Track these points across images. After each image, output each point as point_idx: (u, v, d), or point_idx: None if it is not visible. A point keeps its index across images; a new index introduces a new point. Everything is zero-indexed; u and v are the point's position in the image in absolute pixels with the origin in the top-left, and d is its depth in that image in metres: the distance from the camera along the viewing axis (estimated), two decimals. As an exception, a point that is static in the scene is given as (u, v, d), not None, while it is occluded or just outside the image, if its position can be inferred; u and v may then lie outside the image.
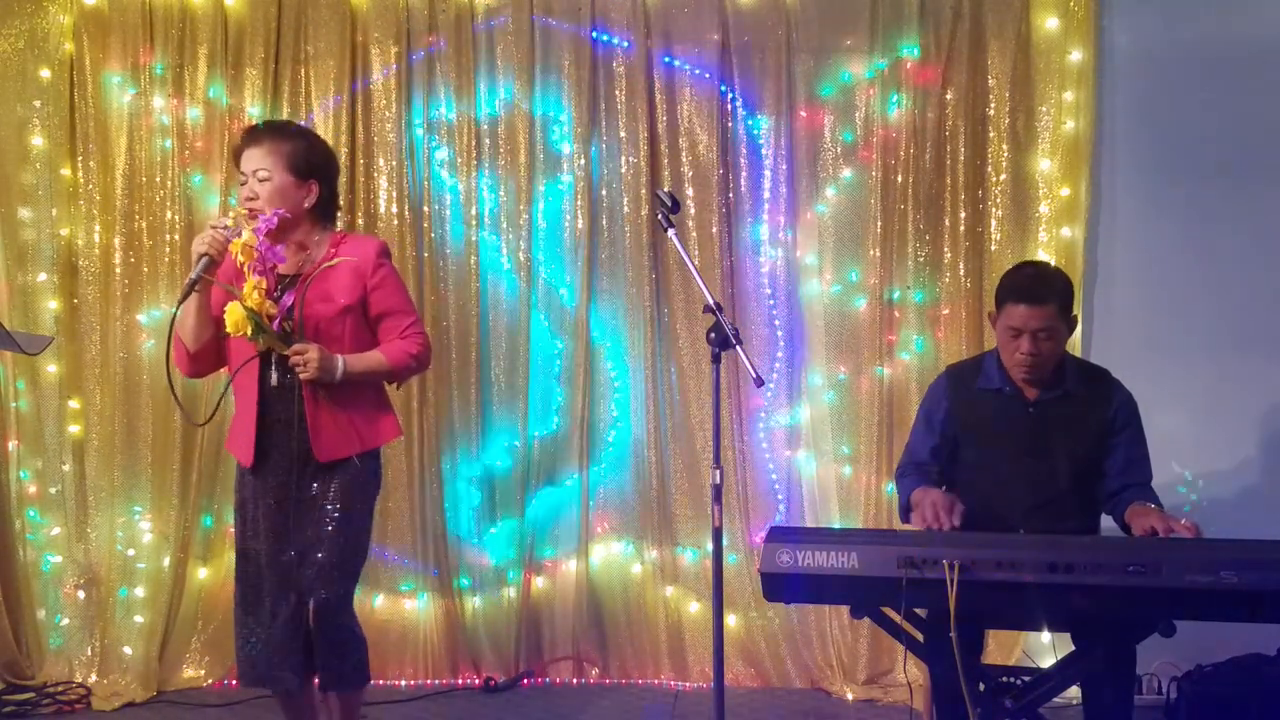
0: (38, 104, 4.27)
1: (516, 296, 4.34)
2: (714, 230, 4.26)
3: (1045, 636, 3.79)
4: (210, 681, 4.28)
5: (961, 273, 4.19)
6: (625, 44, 4.27)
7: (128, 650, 4.23)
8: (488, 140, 4.33)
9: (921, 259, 4.22)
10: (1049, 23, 4.14)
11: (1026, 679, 2.93)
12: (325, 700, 3.09)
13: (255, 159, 2.92)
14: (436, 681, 4.32)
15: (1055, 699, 3.03)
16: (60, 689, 4.14)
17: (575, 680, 4.36)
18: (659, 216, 3.00)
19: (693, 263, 3.03)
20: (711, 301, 2.83)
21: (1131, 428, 3.12)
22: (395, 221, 4.28)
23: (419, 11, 4.28)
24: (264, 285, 2.81)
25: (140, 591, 4.27)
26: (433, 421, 4.29)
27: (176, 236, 4.24)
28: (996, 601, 2.54)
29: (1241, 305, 4.14)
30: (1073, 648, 2.97)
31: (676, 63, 4.29)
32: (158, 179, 4.28)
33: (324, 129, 4.21)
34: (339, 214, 3.19)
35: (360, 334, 2.98)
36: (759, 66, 4.27)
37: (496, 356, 4.35)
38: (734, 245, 4.30)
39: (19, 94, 4.26)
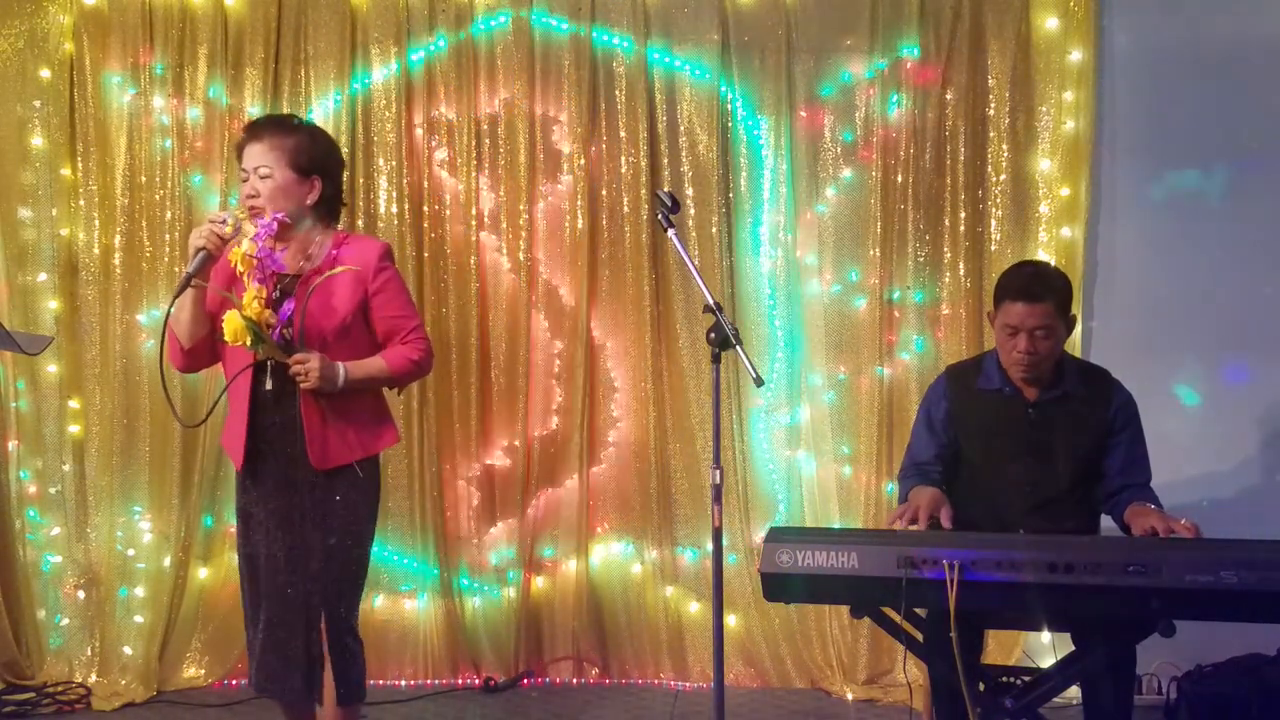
0: (38, 104, 4.27)
1: (516, 296, 4.34)
2: (714, 230, 4.26)
3: (1045, 636, 3.79)
4: (210, 681, 4.28)
5: (961, 273, 4.19)
6: (625, 44, 4.27)
7: (128, 650, 4.23)
8: (488, 140, 4.33)
9: (921, 259, 4.22)
10: (1049, 23, 4.14)
11: (1026, 679, 2.94)
12: (324, 713, 2.97)
13: (256, 155, 2.84)
14: (436, 681, 4.32)
15: (1055, 699, 3.04)
16: (60, 689, 4.14)
17: (575, 680, 4.36)
18: (659, 216, 2.99)
19: (693, 263, 3.03)
20: (711, 301, 2.83)
21: (1131, 428, 3.12)
22: (395, 221, 4.28)
23: (419, 11, 4.28)
24: (264, 294, 2.74)
25: (140, 591, 4.27)
26: (433, 421, 4.29)
27: (176, 236, 4.24)
28: (996, 601, 2.54)
29: (1241, 305, 4.14)
30: (1073, 648, 2.98)
31: (676, 63, 4.29)
32: (158, 179, 4.28)
33: (324, 129, 4.20)
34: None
35: (362, 340, 2.93)
36: (759, 66, 4.27)
37: (496, 356, 4.35)
38: (734, 245, 4.30)
39: (19, 94, 4.26)
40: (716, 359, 2.84)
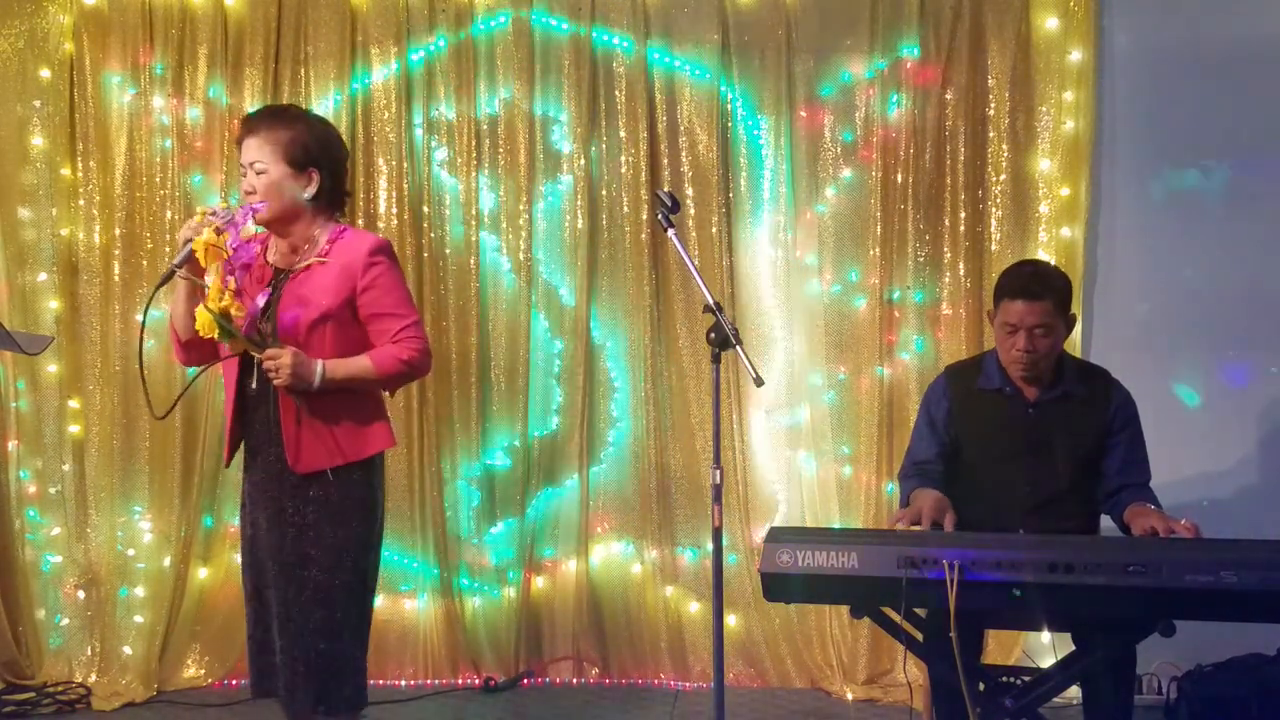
0: (38, 104, 4.27)
1: (516, 296, 4.34)
2: (714, 230, 4.26)
3: (1045, 636, 3.78)
4: (210, 681, 4.28)
5: (961, 273, 4.19)
6: (625, 44, 4.27)
7: (128, 650, 4.23)
8: (488, 140, 4.33)
9: (921, 259, 4.22)
10: (1049, 23, 4.14)
11: (1026, 679, 2.93)
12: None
13: (252, 150, 2.76)
14: (436, 681, 4.32)
15: (1055, 699, 3.04)
16: (60, 689, 4.14)
17: (575, 680, 4.36)
18: (659, 216, 2.99)
19: (693, 263, 3.03)
20: (711, 301, 2.83)
21: (1130, 428, 3.12)
22: (395, 221, 4.28)
23: (419, 11, 4.28)
24: (233, 286, 2.62)
25: (140, 591, 4.27)
26: (433, 421, 4.29)
27: (177, 236, 4.23)
28: (996, 601, 2.54)
29: (1241, 305, 4.14)
30: (1073, 648, 2.97)
31: (676, 63, 4.29)
32: (157, 179, 4.28)
33: (325, 120, 4.19)
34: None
35: (346, 339, 2.77)
36: (759, 66, 4.27)
37: (496, 356, 4.35)
38: (734, 245, 4.30)
39: (19, 94, 4.26)
40: (716, 359, 2.84)
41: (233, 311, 2.64)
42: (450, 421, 4.32)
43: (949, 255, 4.21)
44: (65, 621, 4.29)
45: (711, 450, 2.87)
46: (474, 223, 4.31)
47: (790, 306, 4.31)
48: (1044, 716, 2.92)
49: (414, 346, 2.79)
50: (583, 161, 4.28)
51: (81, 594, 4.29)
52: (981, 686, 2.86)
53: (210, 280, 2.64)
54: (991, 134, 4.19)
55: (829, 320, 4.29)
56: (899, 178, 4.21)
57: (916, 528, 2.86)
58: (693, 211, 4.28)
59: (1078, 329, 4.00)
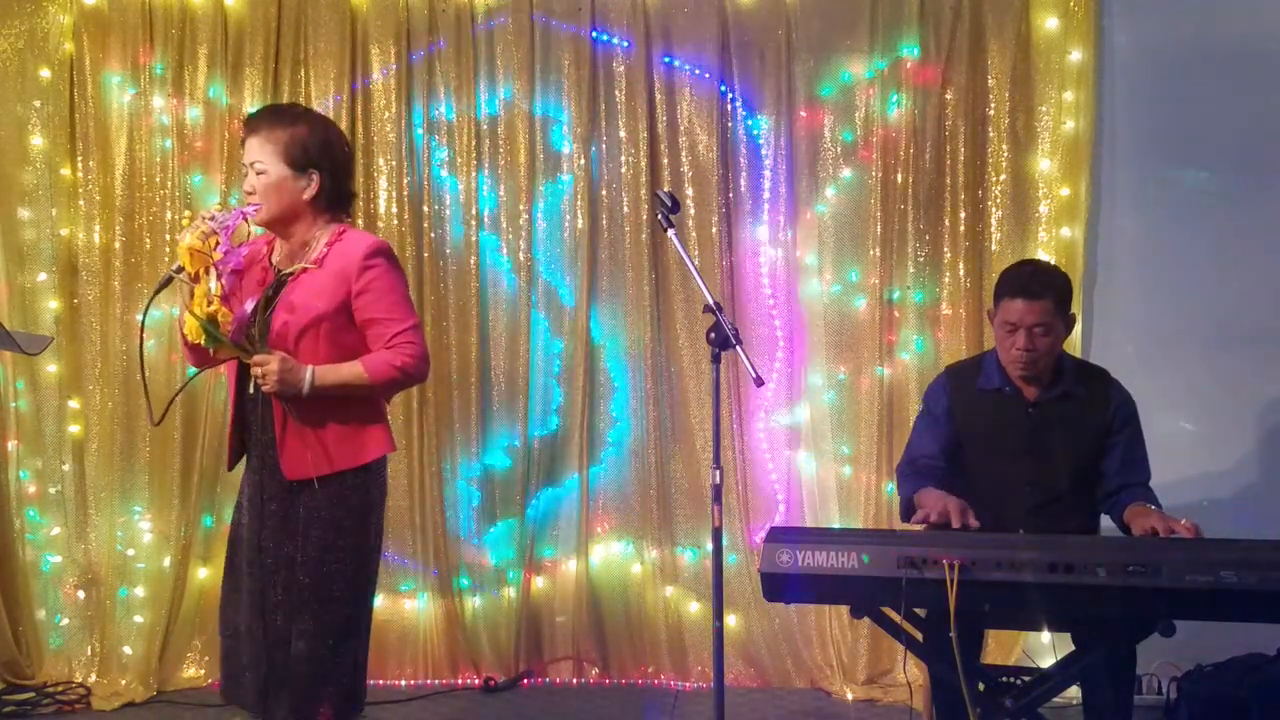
0: (38, 104, 4.27)
1: (516, 296, 4.34)
2: (714, 230, 4.26)
3: (1045, 636, 3.78)
4: (210, 681, 4.27)
5: (961, 273, 4.19)
6: (625, 44, 4.27)
7: (128, 650, 4.23)
8: (488, 140, 4.33)
9: (921, 259, 4.22)
10: (1049, 23, 4.14)
11: (1026, 679, 2.93)
12: None
13: (253, 150, 2.73)
14: (436, 681, 4.32)
15: (1055, 699, 3.04)
16: (60, 689, 4.14)
17: (575, 680, 4.36)
18: (659, 216, 2.99)
19: (693, 263, 3.03)
20: (711, 301, 2.83)
21: (1130, 428, 3.12)
22: (395, 221, 4.28)
23: (419, 11, 4.28)
24: (219, 291, 2.59)
25: (140, 591, 4.27)
26: (432, 421, 4.29)
27: (177, 237, 4.24)
28: (996, 601, 2.54)
29: (1242, 305, 4.14)
30: (1073, 648, 2.97)
31: (676, 63, 4.29)
32: (157, 179, 4.28)
33: (327, 119, 4.19)
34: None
35: (342, 344, 2.72)
36: (759, 66, 4.27)
37: (496, 356, 4.35)
38: (734, 245, 4.30)
39: (19, 94, 4.26)
40: (716, 359, 2.84)
41: (219, 317, 2.61)
42: (450, 421, 4.32)
43: (949, 255, 4.21)
44: (65, 621, 4.30)
45: (711, 450, 2.87)
46: (474, 223, 4.31)
47: (790, 306, 4.31)
48: (1044, 716, 2.91)
49: (409, 352, 2.72)
50: (583, 161, 4.28)
51: (81, 594, 4.29)
52: (981, 686, 2.86)
53: (199, 285, 2.61)
54: (991, 134, 4.19)
55: (829, 320, 4.29)
56: (899, 178, 4.21)
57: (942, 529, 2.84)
58: (693, 211, 4.28)
59: (1078, 329, 4.00)
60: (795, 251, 4.30)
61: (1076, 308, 3.59)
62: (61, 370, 4.29)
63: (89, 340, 4.30)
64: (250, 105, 4.23)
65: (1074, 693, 3.40)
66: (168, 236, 4.26)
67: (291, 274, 2.75)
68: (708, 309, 2.84)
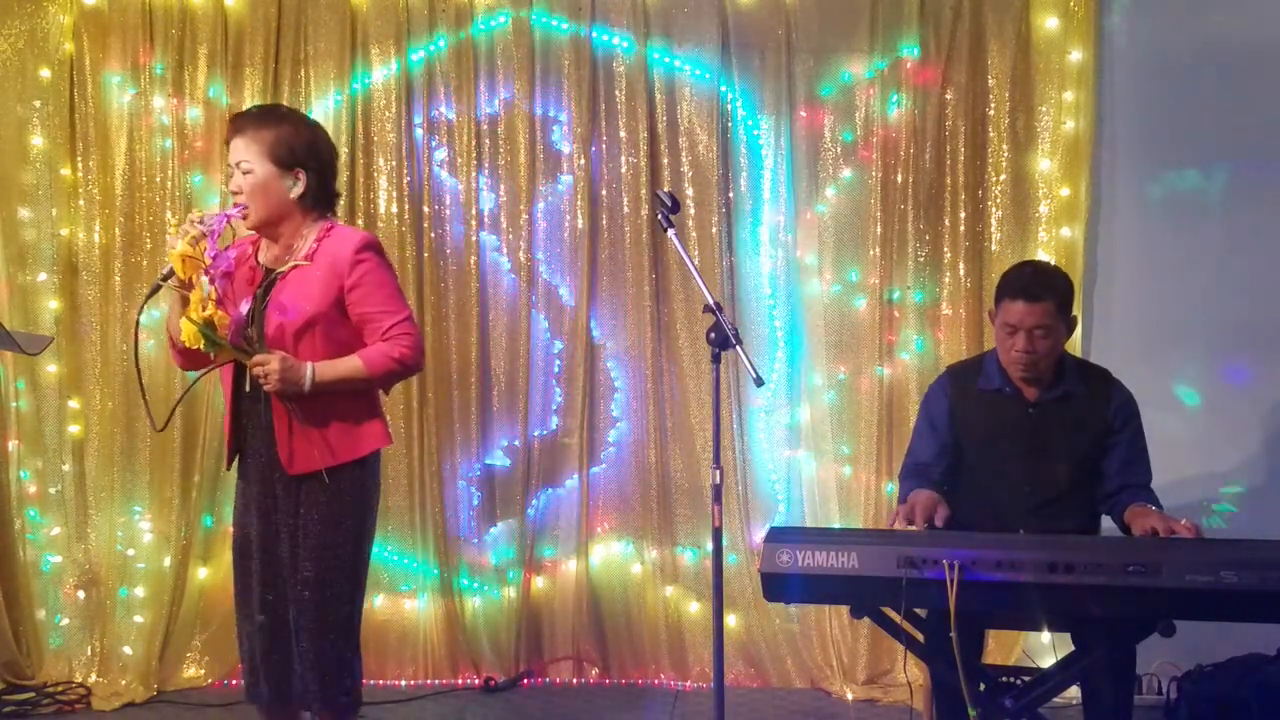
0: (38, 104, 4.27)
1: (516, 296, 4.34)
2: (714, 230, 4.26)
3: (1045, 636, 3.78)
4: (210, 681, 4.28)
5: (961, 273, 4.19)
6: (625, 44, 4.27)
7: (128, 650, 4.23)
8: (488, 140, 4.33)
9: (921, 259, 4.22)
10: (1049, 23, 4.14)
11: (1026, 679, 2.93)
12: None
13: (238, 150, 2.75)
14: (436, 681, 4.32)
15: (1055, 699, 3.04)
16: (60, 689, 4.14)
17: (575, 680, 4.36)
18: (659, 216, 2.99)
19: (693, 263, 3.03)
20: (711, 301, 2.83)
21: (1130, 428, 3.12)
22: (395, 221, 4.28)
23: (419, 11, 4.28)
24: (214, 295, 2.61)
25: (140, 591, 4.27)
26: (433, 421, 4.29)
27: (165, 244, 4.24)
28: (996, 601, 2.54)
29: (1241, 305, 4.14)
30: (1073, 648, 2.98)
31: (676, 63, 4.29)
32: (157, 179, 4.28)
33: (311, 119, 4.19)
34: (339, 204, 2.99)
35: (337, 339, 2.75)
36: (759, 66, 4.27)
37: (496, 356, 4.35)
38: (734, 245, 4.30)
39: (19, 94, 4.26)
40: (716, 359, 2.84)
41: (216, 321, 2.62)
42: (450, 421, 4.32)
43: (949, 255, 4.21)
44: (65, 621, 4.29)
45: (711, 450, 2.87)
46: (474, 223, 4.31)
47: (790, 306, 4.31)
48: (1044, 716, 2.92)
49: (405, 343, 2.76)
50: (583, 161, 4.28)
51: (81, 594, 4.29)
52: (981, 686, 2.86)
53: (194, 291, 2.63)
54: (991, 134, 4.19)
55: (829, 320, 4.29)
56: (899, 178, 4.21)
57: (911, 527, 2.86)
58: (693, 211, 4.28)
59: (1078, 329, 3.99)
60: (795, 251, 4.30)
61: (1076, 308, 3.58)
62: (61, 370, 4.29)
63: (89, 340, 4.30)
64: (250, 105, 4.23)
65: (1074, 693, 3.39)
66: (168, 237, 4.24)
67: (282, 272, 2.75)
68: (708, 309, 2.84)
